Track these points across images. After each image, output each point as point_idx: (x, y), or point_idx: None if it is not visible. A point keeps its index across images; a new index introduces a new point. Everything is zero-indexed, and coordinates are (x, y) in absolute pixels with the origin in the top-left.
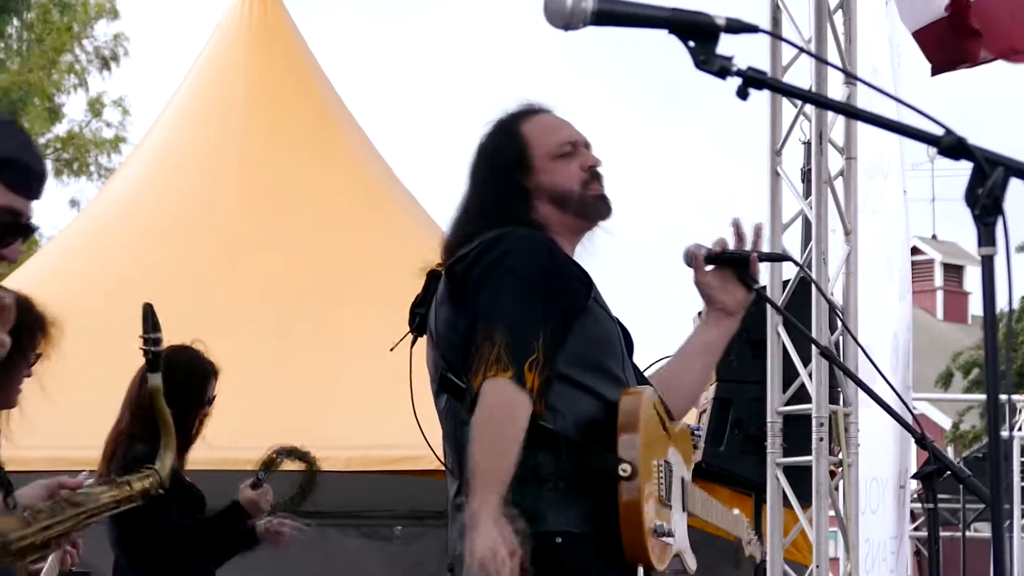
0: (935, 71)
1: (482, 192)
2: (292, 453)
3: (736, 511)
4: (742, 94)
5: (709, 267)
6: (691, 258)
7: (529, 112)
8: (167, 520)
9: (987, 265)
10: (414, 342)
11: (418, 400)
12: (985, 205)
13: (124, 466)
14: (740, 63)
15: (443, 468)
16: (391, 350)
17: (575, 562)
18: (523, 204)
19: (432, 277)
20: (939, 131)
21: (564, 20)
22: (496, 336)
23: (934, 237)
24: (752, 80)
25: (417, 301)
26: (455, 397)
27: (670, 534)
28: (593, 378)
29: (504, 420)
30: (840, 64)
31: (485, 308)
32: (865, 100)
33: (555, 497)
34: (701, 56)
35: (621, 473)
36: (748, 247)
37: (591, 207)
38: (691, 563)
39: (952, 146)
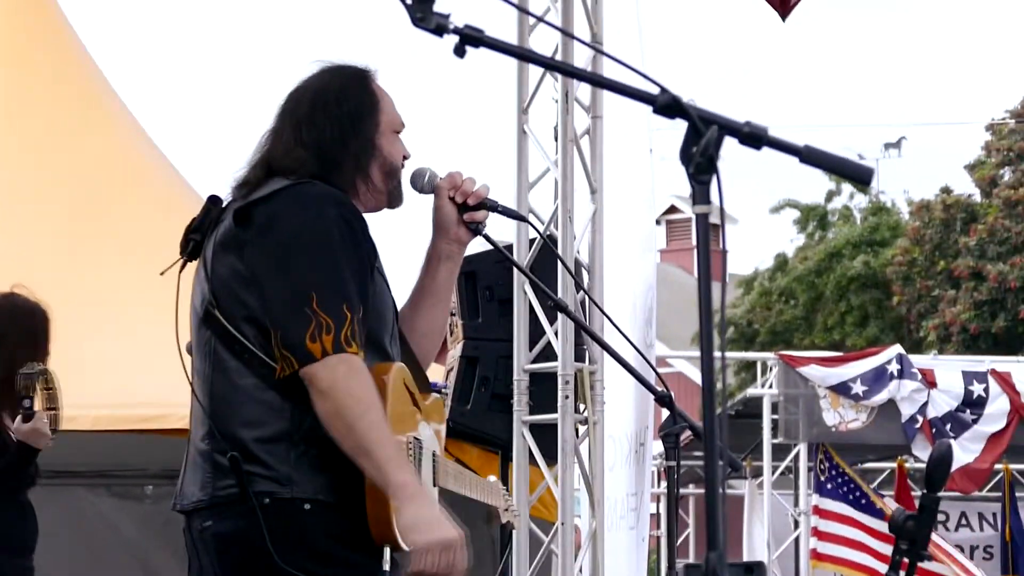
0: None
1: (322, 131)
2: (35, 371)
3: (492, 478)
4: (459, 52)
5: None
6: (433, 186)
7: (373, 75)
8: None
9: (702, 223)
10: (183, 267)
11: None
12: (699, 163)
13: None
14: (462, 21)
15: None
16: (161, 274)
17: (322, 532)
18: (366, 156)
19: (212, 203)
20: (655, 90)
21: None
22: (332, 307)
23: None
24: (468, 38)
25: (194, 226)
26: (218, 336)
27: None
28: (367, 352)
29: (373, 399)
30: (587, 23)
31: (311, 273)
32: (612, 61)
33: (306, 463)
34: (418, 13)
35: None
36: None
37: (399, 192)
38: None
39: (667, 105)
